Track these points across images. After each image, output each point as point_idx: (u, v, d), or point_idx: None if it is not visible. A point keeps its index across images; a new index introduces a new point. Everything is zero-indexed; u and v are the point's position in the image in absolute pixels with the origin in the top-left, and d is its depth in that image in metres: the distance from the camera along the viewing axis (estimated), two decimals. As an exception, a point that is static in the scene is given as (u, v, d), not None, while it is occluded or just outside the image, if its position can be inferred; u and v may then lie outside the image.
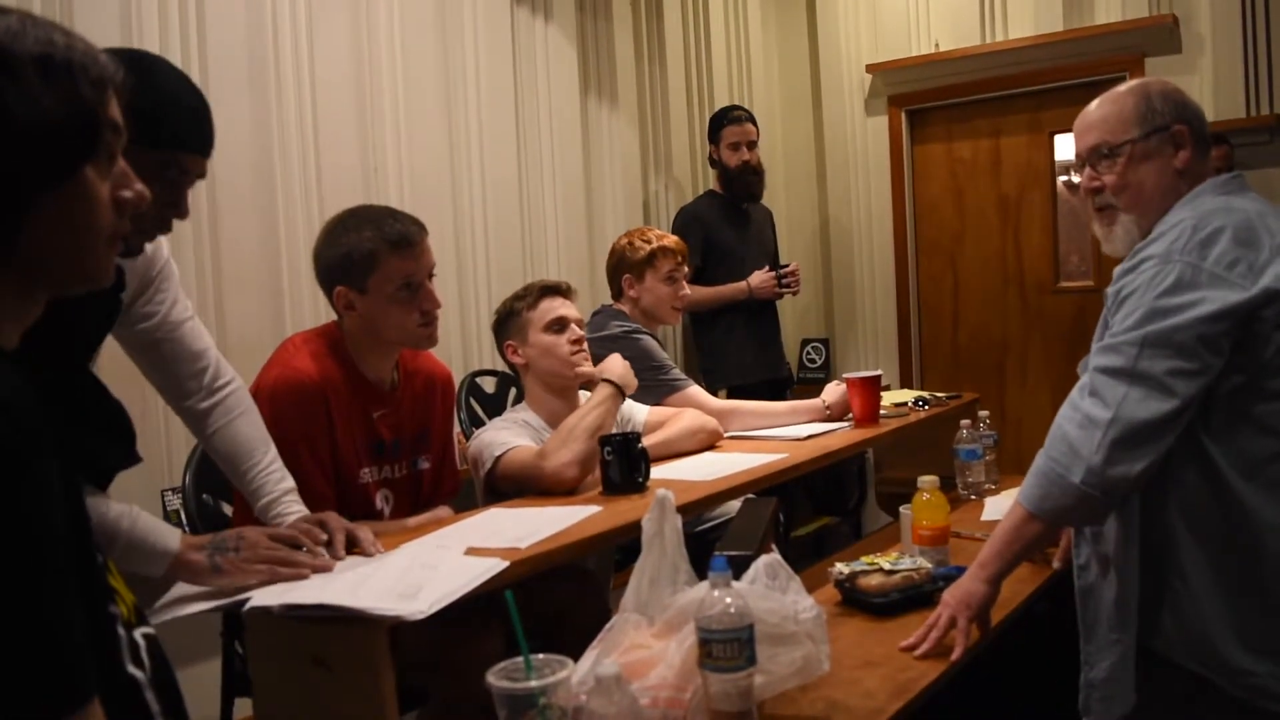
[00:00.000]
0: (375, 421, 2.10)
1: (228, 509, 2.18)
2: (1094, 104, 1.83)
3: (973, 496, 2.93)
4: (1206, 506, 1.58)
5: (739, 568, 1.60)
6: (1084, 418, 1.58)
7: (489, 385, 3.30)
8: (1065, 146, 4.55)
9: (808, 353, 5.13)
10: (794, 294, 4.22)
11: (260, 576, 1.56)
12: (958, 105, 4.68)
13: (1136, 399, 1.54)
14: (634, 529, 1.83)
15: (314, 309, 2.86)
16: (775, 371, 4.25)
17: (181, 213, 1.56)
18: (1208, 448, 1.58)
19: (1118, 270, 1.70)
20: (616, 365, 2.41)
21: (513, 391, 3.31)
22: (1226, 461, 1.57)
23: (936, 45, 4.60)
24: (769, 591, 1.56)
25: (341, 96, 3.04)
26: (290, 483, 1.83)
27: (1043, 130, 4.54)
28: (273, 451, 1.85)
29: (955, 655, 1.77)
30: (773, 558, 1.64)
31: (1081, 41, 4.25)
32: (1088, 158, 1.81)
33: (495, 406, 3.22)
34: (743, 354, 4.08)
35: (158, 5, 2.60)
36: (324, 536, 1.67)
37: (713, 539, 2.60)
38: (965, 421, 2.96)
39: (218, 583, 1.56)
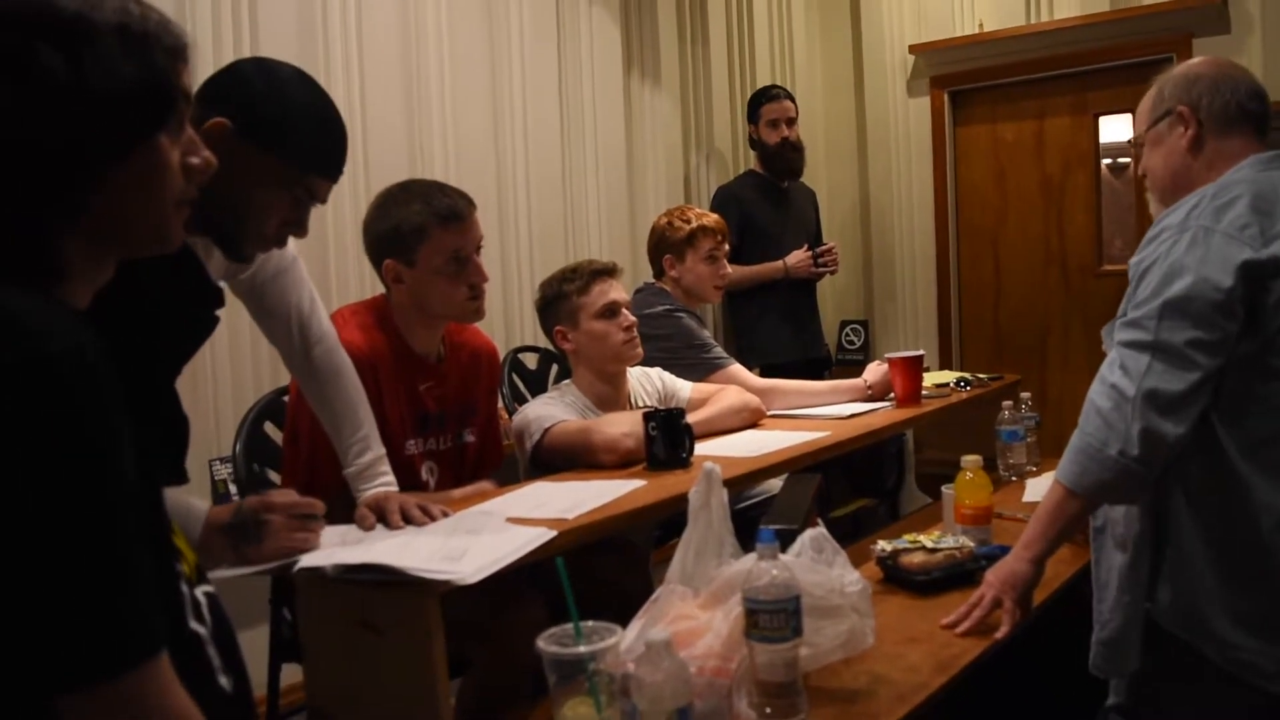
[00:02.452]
0: (422, 394, 2.13)
1: (275, 475, 2.22)
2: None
3: (1014, 478, 2.92)
4: (1207, 482, 1.61)
5: (785, 541, 1.61)
6: (1112, 390, 1.60)
7: (531, 361, 3.32)
8: (1110, 128, 4.50)
9: (846, 334, 5.11)
10: (832, 274, 4.20)
11: (284, 558, 1.55)
12: (1001, 86, 4.63)
13: (1160, 370, 1.56)
14: (679, 502, 1.84)
15: (359, 284, 2.89)
16: (812, 351, 4.23)
17: (301, 232, 1.59)
18: (1214, 424, 1.59)
19: (1142, 242, 1.72)
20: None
21: (554, 368, 3.33)
22: (1230, 439, 1.58)
23: (980, 26, 4.55)
24: (815, 565, 1.58)
25: (388, 75, 3.06)
26: (371, 454, 1.84)
27: (1087, 112, 4.48)
28: (358, 418, 1.85)
29: (1001, 634, 1.77)
30: (819, 531, 1.65)
31: (1128, 22, 4.20)
32: (1136, 147, 1.88)
33: (537, 383, 3.25)
34: (778, 333, 4.07)
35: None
36: (374, 523, 1.70)
37: (753, 515, 2.61)
38: (1007, 403, 2.94)
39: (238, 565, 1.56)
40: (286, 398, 2.22)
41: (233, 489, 2.61)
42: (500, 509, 1.79)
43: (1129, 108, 4.25)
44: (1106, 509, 1.75)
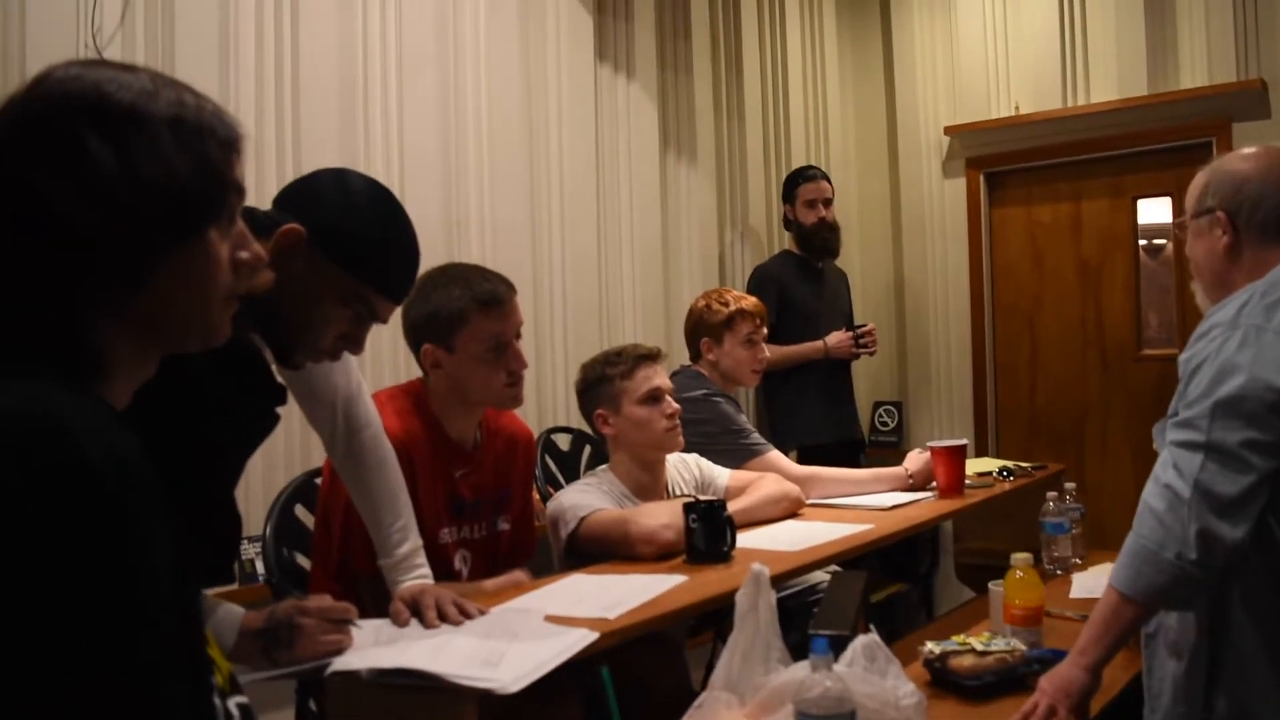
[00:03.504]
0: (457, 481, 2.08)
1: (304, 559, 2.17)
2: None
3: (1059, 571, 2.83)
4: (1264, 585, 1.57)
5: (836, 647, 1.55)
6: (1166, 491, 1.57)
7: (563, 443, 3.27)
8: (1148, 211, 4.46)
9: (880, 415, 5.05)
10: (871, 354, 4.16)
11: (317, 660, 1.50)
12: (1038, 169, 4.61)
13: (1214, 471, 1.54)
14: (722, 600, 1.79)
15: (394, 364, 2.86)
16: (849, 433, 4.18)
17: (357, 349, 1.57)
18: (1271, 525, 1.56)
19: (1191, 338, 1.71)
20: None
21: (587, 449, 3.28)
22: None
23: (1017, 108, 4.55)
24: (868, 675, 1.51)
25: (428, 151, 3.07)
26: (409, 545, 1.79)
27: (1125, 195, 4.45)
28: (397, 507, 1.81)
29: (1058, 747, 1.69)
30: (871, 639, 1.58)
31: (1166, 106, 4.18)
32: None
33: (570, 464, 3.19)
34: (815, 414, 4.01)
35: (254, 67, 2.65)
36: (408, 618, 1.64)
37: (791, 606, 2.55)
38: (1052, 494, 2.87)
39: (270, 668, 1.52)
40: (319, 480, 2.18)
41: (260, 568, 2.56)
42: (538, 605, 1.73)
43: (1167, 191, 4.32)
44: (1160, 613, 1.70)
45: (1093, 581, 2.69)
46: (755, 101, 4.49)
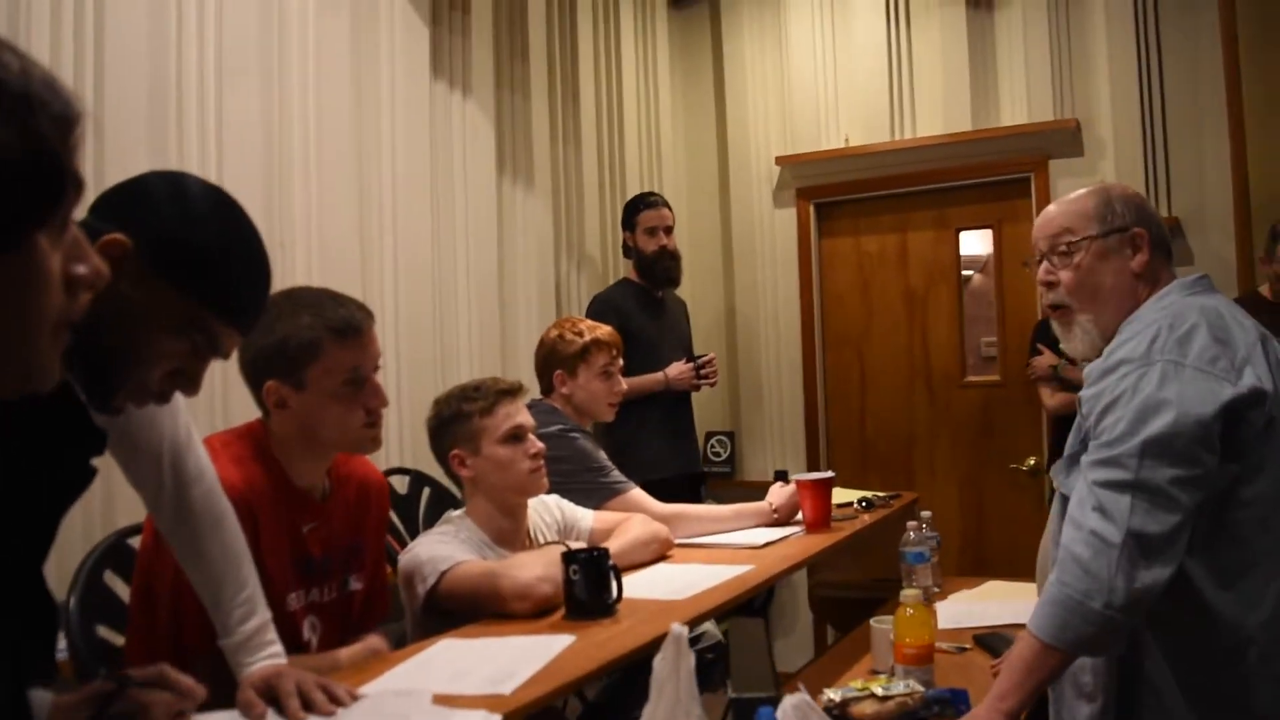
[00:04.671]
0: (305, 537, 1.82)
1: (110, 633, 1.85)
2: (1054, 204, 1.86)
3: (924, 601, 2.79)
4: (1180, 621, 1.56)
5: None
6: (1093, 537, 1.52)
7: (400, 485, 3.00)
8: (971, 243, 4.59)
9: (712, 446, 4.98)
10: (712, 385, 4.08)
11: None
12: (866, 200, 4.67)
13: (1144, 511, 1.50)
14: (622, 661, 1.61)
15: (224, 405, 2.52)
16: (690, 466, 4.08)
17: (192, 389, 1.29)
18: (1183, 561, 1.53)
19: (1091, 371, 1.68)
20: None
21: (427, 492, 3.02)
22: (1203, 574, 1.54)
23: (847, 140, 4.60)
24: (805, 743, 1.36)
25: (249, 165, 2.75)
26: (256, 620, 1.52)
27: (949, 227, 4.56)
28: (240, 576, 1.54)
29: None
30: (800, 699, 1.44)
31: (987, 142, 4.31)
32: (1046, 253, 1.81)
33: (408, 510, 2.93)
34: (658, 447, 3.88)
35: (48, 65, 2.30)
36: (263, 711, 1.38)
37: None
38: (912, 523, 2.83)
39: None
40: (133, 540, 1.87)
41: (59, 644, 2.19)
42: (418, 682, 1.50)
43: (988, 224, 4.44)
44: None
45: (957, 610, 2.66)
46: (591, 127, 4.35)
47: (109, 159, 2.38)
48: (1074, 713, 1.66)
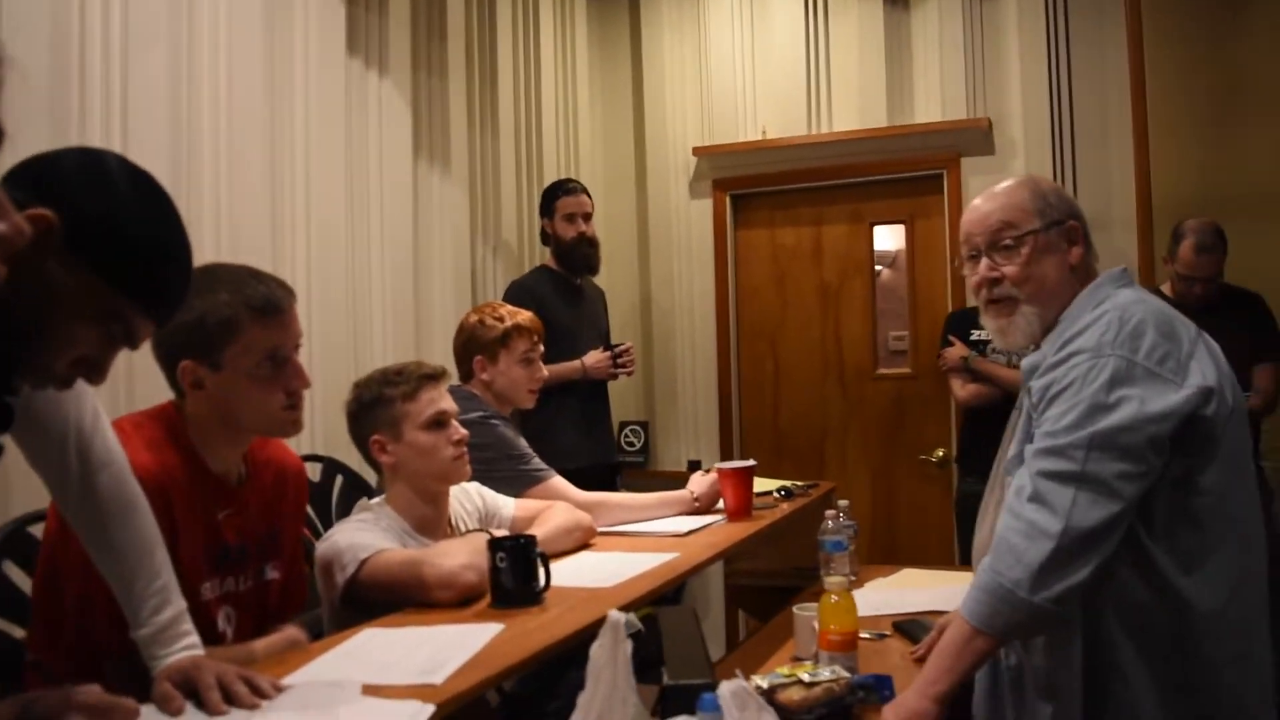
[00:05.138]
0: (220, 524, 1.74)
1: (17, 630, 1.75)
2: (982, 198, 1.84)
3: (842, 590, 2.81)
4: (1146, 606, 1.56)
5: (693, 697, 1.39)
6: (1031, 527, 1.53)
7: (313, 473, 2.91)
8: (884, 237, 4.66)
9: (626, 435, 4.96)
10: (629, 374, 4.06)
11: None
12: (782, 193, 4.71)
13: (1085, 503, 1.51)
14: (555, 649, 1.58)
15: (129, 385, 2.41)
16: (605, 456, 4.06)
17: (98, 378, 1.23)
18: (1148, 547, 1.56)
19: (1033, 363, 1.69)
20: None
21: (339, 479, 2.94)
22: (1167, 559, 1.55)
23: (764, 132, 4.62)
24: (744, 728, 1.35)
25: (155, 141, 2.62)
26: (170, 610, 1.45)
27: (863, 221, 4.62)
28: (154, 564, 1.47)
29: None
30: (737, 685, 1.43)
31: (902, 138, 4.37)
32: (986, 248, 1.79)
33: (321, 498, 2.85)
34: (571, 438, 3.85)
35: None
36: (182, 705, 1.31)
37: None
38: (830, 512, 2.85)
39: None
40: (34, 529, 1.77)
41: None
42: (344, 673, 1.45)
43: (901, 219, 4.51)
44: (1022, 655, 1.66)
45: (875, 598, 2.69)
46: (509, 112, 4.29)
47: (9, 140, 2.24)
48: (1034, 713, 1.65)
